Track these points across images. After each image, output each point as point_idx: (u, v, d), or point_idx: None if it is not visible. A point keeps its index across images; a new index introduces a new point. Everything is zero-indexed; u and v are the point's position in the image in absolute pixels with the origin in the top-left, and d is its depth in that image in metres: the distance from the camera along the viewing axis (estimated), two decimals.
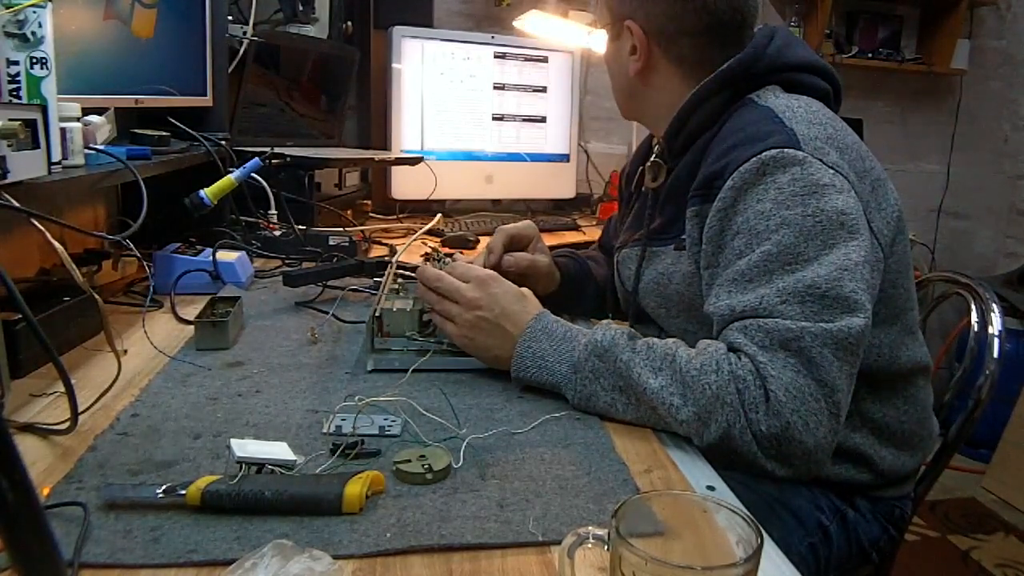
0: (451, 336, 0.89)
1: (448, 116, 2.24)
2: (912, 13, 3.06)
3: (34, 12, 0.87)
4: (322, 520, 0.57)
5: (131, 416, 0.74)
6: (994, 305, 1.16)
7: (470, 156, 2.28)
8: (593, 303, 1.22)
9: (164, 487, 0.58)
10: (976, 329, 1.18)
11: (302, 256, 1.40)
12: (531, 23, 2.21)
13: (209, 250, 1.23)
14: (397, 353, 0.91)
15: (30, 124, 0.81)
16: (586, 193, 2.60)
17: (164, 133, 1.33)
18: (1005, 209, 3.35)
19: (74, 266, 0.78)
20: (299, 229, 1.47)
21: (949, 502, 2.44)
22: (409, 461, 0.65)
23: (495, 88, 2.28)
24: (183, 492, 0.57)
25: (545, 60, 2.34)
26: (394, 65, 2.14)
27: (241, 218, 1.50)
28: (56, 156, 0.93)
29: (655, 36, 0.97)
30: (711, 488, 0.68)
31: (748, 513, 0.46)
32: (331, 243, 1.46)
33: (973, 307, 1.19)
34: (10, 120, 0.77)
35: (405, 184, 2.17)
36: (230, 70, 1.62)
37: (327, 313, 1.09)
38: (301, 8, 1.96)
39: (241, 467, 0.61)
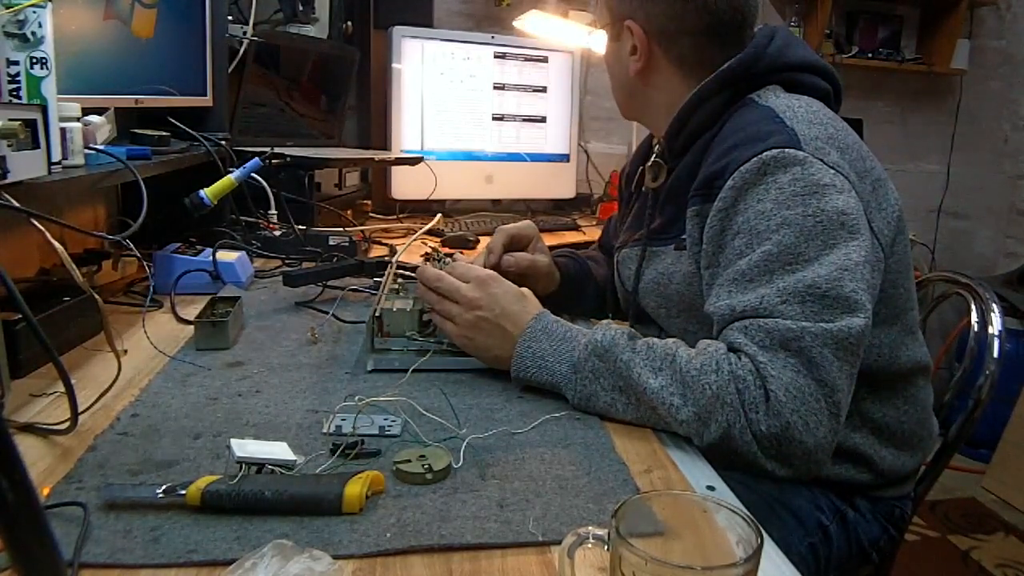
0: (451, 336, 0.89)
1: (448, 116, 2.23)
2: (912, 13, 3.06)
3: (34, 12, 0.87)
4: (322, 520, 0.57)
5: (131, 416, 0.74)
6: (994, 305, 1.16)
7: (470, 156, 2.28)
8: (593, 303, 1.22)
9: (164, 487, 0.58)
10: (976, 329, 1.18)
11: (302, 256, 1.40)
12: (531, 23, 2.21)
13: (209, 250, 1.23)
14: (397, 353, 0.91)
15: (30, 124, 0.81)
16: (586, 193, 2.60)
17: (164, 133, 1.33)
18: (1005, 209, 3.35)
19: (74, 266, 0.78)
20: (299, 229, 1.47)
21: (949, 502, 2.44)
22: (409, 461, 0.65)
23: (495, 88, 2.28)
24: (183, 492, 0.57)
25: (545, 60, 2.34)
26: (394, 65, 2.14)
27: (241, 218, 1.50)
28: (56, 156, 0.93)
29: (655, 36, 0.97)
30: (711, 488, 0.68)
31: (748, 513, 0.46)
32: (331, 243, 1.46)
33: (973, 307, 1.19)
34: (10, 120, 0.77)
35: (405, 184, 2.17)
36: (230, 70, 1.62)
37: (327, 313, 1.09)
38: (301, 8, 1.96)
39: (241, 467, 0.61)
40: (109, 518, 0.56)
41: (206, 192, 1.26)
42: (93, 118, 1.10)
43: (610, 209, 2.21)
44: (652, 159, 1.05)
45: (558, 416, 0.79)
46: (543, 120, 2.37)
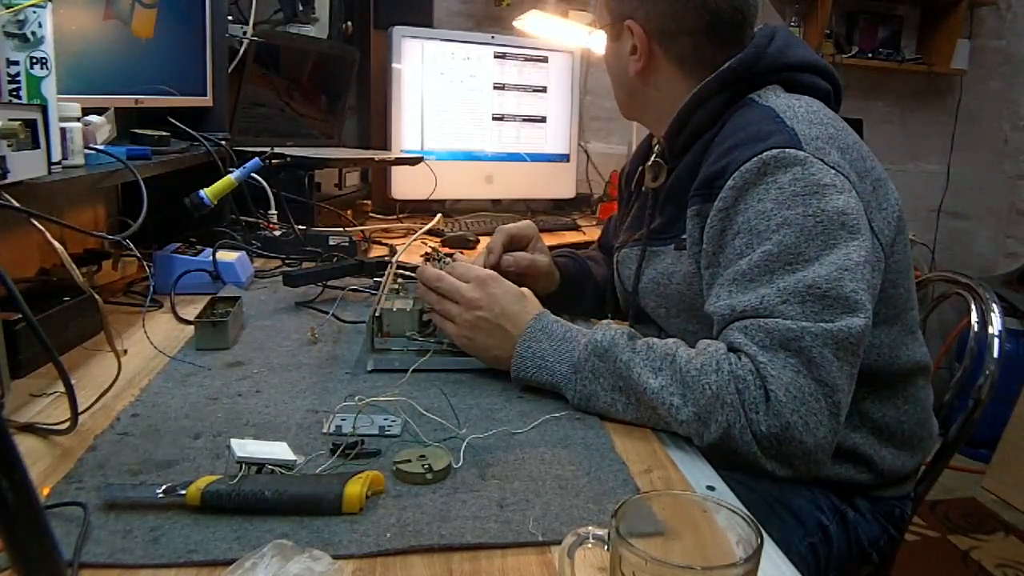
0: (451, 336, 0.89)
1: (448, 116, 2.23)
2: (912, 13, 3.06)
3: (34, 12, 0.87)
4: (322, 520, 0.57)
5: (131, 416, 0.74)
6: (994, 305, 1.16)
7: (470, 156, 2.28)
8: (593, 303, 1.22)
9: (164, 487, 0.58)
10: (976, 329, 1.18)
11: (302, 256, 1.40)
12: (531, 23, 2.21)
13: (209, 250, 1.23)
14: (397, 353, 0.91)
15: (30, 124, 0.81)
16: (586, 193, 2.60)
17: (164, 133, 1.33)
18: (1005, 209, 3.35)
19: (74, 266, 0.78)
20: (299, 229, 1.47)
21: (949, 502, 2.44)
22: (409, 461, 0.65)
23: (495, 88, 2.28)
24: (183, 492, 0.57)
25: (545, 60, 2.34)
26: (394, 65, 2.14)
27: (241, 218, 1.50)
28: (56, 156, 0.93)
29: (656, 35, 0.97)
30: (711, 488, 0.68)
31: (748, 513, 0.46)
32: (331, 243, 1.46)
33: (973, 307, 1.19)
34: (10, 120, 0.77)
35: (405, 184, 2.17)
36: (230, 70, 1.62)
37: (327, 313, 1.09)
38: (301, 8, 1.96)
39: (241, 467, 0.61)
40: (109, 518, 0.56)
41: (206, 192, 1.26)
42: (93, 118, 1.10)
43: (610, 209, 2.21)
44: (652, 159, 1.05)
45: (558, 416, 0.79)
46: (543, 120, 2.37)
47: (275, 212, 1.51)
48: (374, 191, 2.28)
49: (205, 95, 1.52)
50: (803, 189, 0.80)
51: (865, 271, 0.79)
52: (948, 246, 3.29)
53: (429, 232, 1.51)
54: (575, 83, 2.40)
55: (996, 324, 1.14)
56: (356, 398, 0.78)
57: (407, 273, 1.12)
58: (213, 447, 0.68)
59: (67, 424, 0.68)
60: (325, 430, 0.72)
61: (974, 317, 1.18)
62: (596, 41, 2.15)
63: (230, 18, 1.66)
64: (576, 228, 2.17)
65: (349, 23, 2.20)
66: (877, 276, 0.86)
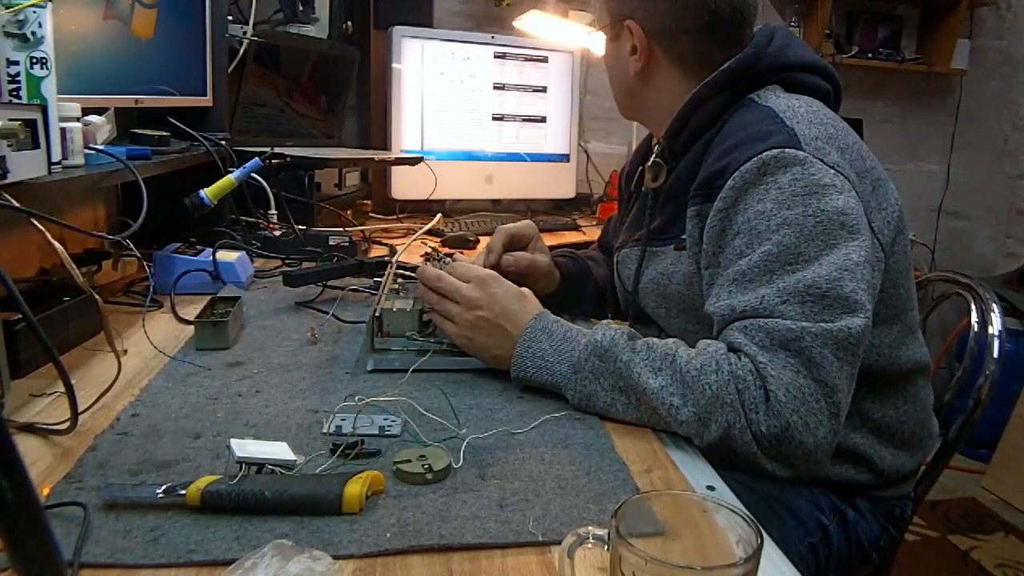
0: (451, 336, 0.89)
1: (448, 116, 2.23)
2: (912, 13, 3.06)
3: (34, 12, 0.87)
4: (322, 520, 0.57)
5: (131, 416, 0.74)
6: (994, 305, 1.16)
7: (470, 156, 2.28)
8: (593, 303, 1.22)
9: (164, 487, 0.58)
10: (976, 329, 1.18)
11: (302, 256, 1.40)
12: (531, 23, 2.21)
13: (209, 250, 1.23)
14: (397, 353, 0.91)
15: (30, 124, 0.81)
16: (586, 193, 2.60)
17: (164, 133, 1.33)
18: (1005, 209, 3.35)
19: (74, 266, 0.78)
20: (299, 229, 1.47)
21: (949, 502, 2.44)
22: (409, 461, 0.65)
23: (495, 88, 2.28)
24: (183, 492, 0.57)
25: (545, 60, 2.34)
26: (394, 65, 2.14)
27: (241, 218, 1.50)
28: (56, 156, 0.93)
29: (655, 35, 0.97)
30: (711, 488, 0.68)
31: (748, 513, 0.46)
32: (331, 243, 1.46)
33: (973, 307, 1.19)
34: (10, 120, 0.77)
35: (405, 184, 2.17)
36: (230, 70, 1.62)
37: (327, 313, 1.09)
38: (301, 8, 1.96)
39: (241, 467, 0.61)
40: (109, 518, 0.56)
41: (206, 192, 1.26)
42: (93, 118, 1.10)
43: (610, 209, 2.21)
44: (652, 159, 1.05)
45: (558, 416, 0.79)
46: (543, 120, 2.37)
47: (275, 212, 1.51)
48: (374, 191, 2.28)
49: (205, 95, 1.52)
50: (803, 189, 0.80)
51: (865, 271, 0.79)
52: (948, 246, 3.29)
53: (429, 232, 1.51)
54: (575, 83, 2.40)
55: (996, 324, 1.14)
56: (356, 398, 0.78)
57: (407, 273, 1.12)
58: (213, 447, 0.68)
59: (67, 424, 0.68)
60: (325, 430, 0.72)
61: (974, 317, 1.18)
62: (596, 41, 2.14)
63: (230, 18, 1.66)
64: (576, 228, 2.17)
65: (349, 23, 2.20)
66: (877, 276, 0.86)
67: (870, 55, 2.97)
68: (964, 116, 3.18)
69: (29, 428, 0.71)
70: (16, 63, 0.88)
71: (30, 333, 0.69)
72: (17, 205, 0.75)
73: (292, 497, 0.58)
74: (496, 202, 2.46)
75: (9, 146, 0.76)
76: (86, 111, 1.06)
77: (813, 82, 0.97)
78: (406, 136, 2.18)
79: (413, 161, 2.00)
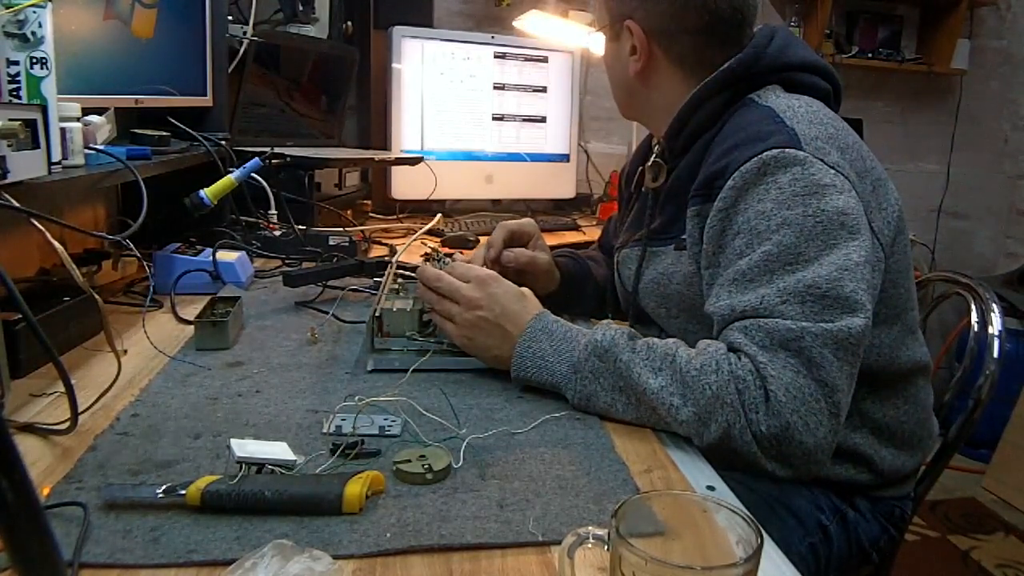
0: (451, 336, 0.89)
1: (448, 116, 2.23)
2: (912, 13, 3.06)
3: (34, 12, 0.87)
4: (322, 520, 0.57)
5: (131, 416, 0.74)
6: (994, 305, 1.16)
7: (470, 156, 2.28)
8: (593, 303, 1.22)
9: (164, 487, 0.58)
10: (976, 329, 1.18)
11: (302, 256, 1.40)
12: (531, 23, 2.21)
13: (209, 250, 1.23)
14: (397, 353, 0.91)
15: (30, 124, 0.81)
16: (586, 193, 2.60)
17: (164, 133, 1.33)
18: (1005, 209, 3.35)
19: (74, 266, 0.78)
20: (299, 229, 1.47)
21: (949, 502, 2.44)
22: (409, 461, 0.65)
23: (495, 88, 2.28)
24: (183, 492, 0.57)
25: (545, 60, 2.34)
26: (394, 65, 2.14)
27: (241, 218, 1.50)
28: (56, 156, 0.93)
29: (655, 35, 0.97)
30: (711, 488, 0.68)
31: (748, 513, 0.46)
32: (331, 243, 1.46)
33: (973, 307, 1.19)
34: (10, 120, 0.77)
35: (405, 184, 2.17)
36: (230, 70, 1.62)
37: (327, 313, 1.09)
38: (301, 8, 1.96)
39: (241, 467, 0.61)
40: (109, 518, 0.56)
41: (206, 192, 1.26)
42: (93, 118, 1.10)
43: (610, 209, 2.21)
44: (652, 159, 1.05)
45: (558, 416, 0.79)
46: (543, 120, 2.37)
47: (275, 212, 1.51)
48: (374, 191, 2.28)
49: (205, 95, 1.52)
50: (803, 189, 0.80)
51: (865, 271, 0.79)
52: (948, 246, 3.29)
53: (429, 232, 1.51)
54: (575, 83, 2.40)
55: (996, 324, 1.14)
56: (356, 398, 0.78)
57: (407, 273, 1.12)
58: (213, 447, 0.68)
59: (67, 424, 0.68)
60: (325, 430, 0.72)
61: (974, 317, 1.18)
62: (596, 41, 2.14)
63: (230, 18, 1.66)
64: (576, 228, 2.17)
65: (349, 23, 2.20)
66: (877, 276, 0.86)
67: (870, 55, 2.97)
68: (964, 116, 3.18)
69: (29, 428, 0.71)
70: (16, 63, 0.88)
71: (30, 333, 0.69)
72: (17, 205, 0.75)
73: (292, 497, 0.58)
74: (496, 202, 2.46)
75: (9, 146, 0.76)
76: (86, 111, 1.06)
77: (813, 82, 0.97)
78: (406, 136, 2.18)
79: (413, 161, 2.00)
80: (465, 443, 0.69)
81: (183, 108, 1.45)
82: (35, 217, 0.76)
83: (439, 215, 1.48)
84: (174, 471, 0.64)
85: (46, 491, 0.60)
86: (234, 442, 0.62)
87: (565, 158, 2.43)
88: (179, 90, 1.39)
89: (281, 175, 1.55)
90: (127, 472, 0.63)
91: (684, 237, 0.93)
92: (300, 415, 0.76)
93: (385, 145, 2.22)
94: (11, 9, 0.86)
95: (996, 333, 1.14)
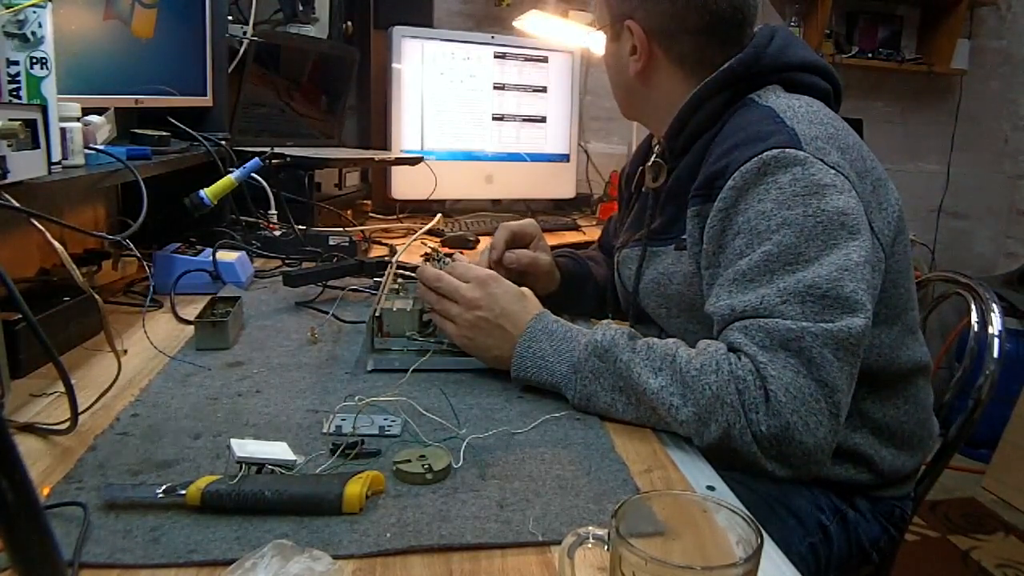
0: (451, 336, 0.89)
1: (448, 116, 2.24)
2: (912, 13, 3.06)
3: (34, 12, 0.87)
4: (322, 520, 0.57)
5: (131, 416, 0.74)
6: (994, 305, 1.16)
7: (470, 156, 2.28)
8: (593, 303, 1.22)
9: (164, 487, 0.58)
10: (976, 329, 1.17)
11: (302, 256, 1.40)
12: (531, 23, 2.21)
13: (209, 250, 1.23)
14: (397, 353, 0.91)
15: (30, 124, 0.81)
16: (586, 193, 2.60)
17: (164, 133, 1.33)
18: (1005, 209, 3.35)
19: (74, 266, 0.78)
20: (299, 229, 1.47)
21: (949, 502, 2.44)
22: (409, 461, 0.65)
23: (495, 88, 2.28)
24: (183, 492, 0.57)
25: (545, 60, 2.34)
26: (394, 65, 2.14)
27: (241, 218, 1.50)
28: (56, 156, 0.93)
29: (656, 35, 0.97)
30: (711, 488, 0.68)
31: (748, 513, 0.46)
32: (331, 243, 1.46)
33: (973, 307, 1.19)
34: (10, 120, 0.77)
35: (405, 184, 2.17)
36: (230, 70, 1.62)
37: (327, 313, 1.09)
38: (301, 8, 1.96)
39: (241, 467, 0.61)
40: (109, 518, 0.56)
41: (206, 192, 1.26)
42: (93, 118, 1.10)
43: (610, 209, 2.21)
44: (652, 159, 1.05)
45: (558, 416, 0.79)
46: (543, 120, 2.37)
47: (275, 212, 1.51)
48: (374, 191, 2.28)
49: (205, 95, 1.52)
50: (803, 189, 0.80)
51: (865, 271, 0.79)
52: (948, 246, 3.29)
53: (429, 232, 1.51)
54: (575, 83, 2.40)
55: (996, 324, 1.14)
56: (356, 398, 0.78)
57: (407, 273, 1.12)
58: (213, 447, 0.68)
59: (67, 424, 0.68)
60: (325, 430, 0.72)
61: (974, 317, 1.18)
62: (596, 41, 2.14)
63: (230, 18, 1.66)
64: (576, 228, 2.17)
65: (349, 23, 2.20)
66: (877, 276, 0.86)
67: (870, 55, 2.97)
68: (964, 116, 3.18)
69: (29, 428, 0.71)
70: (16, 63, 0.88)
71: (30, 333, 0.69)
72: (17, 205, 0.75)
73: (292, 497, 0.58)
74: (496, 202, 2.46)
75: (9, 146, 0.76)
76: (86, 111, 1.06)
77: (813, 82, 0.97)
78: (406, 136, 2.18)
79: (413, 161, 2.00)
80: (465, 443, 0.69)
81: (183, 108, 1.45)
82: (35, 217, 0.76)
83: (439, 215, 1.48)
84: (174, 471, 0.64)
85: (46, 491, 0.60)
86: (234, 442, 0.62)
87: (565, 158, 2.43)
88: (179, 90, 1.39)
89: (281, 175, 1.55)
90: (127, 472, 0.63)
91: (684, 237, 0.93)
92: (300, 415, 0.76)
93: (385, 145, 2.22)
94: (11, 9, 0.86)
95: (996, 333, 1.14)
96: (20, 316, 0.68)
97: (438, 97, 2.21)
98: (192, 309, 1.05)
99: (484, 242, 1.75)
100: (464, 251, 1.64)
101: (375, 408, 0.75)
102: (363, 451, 0.67)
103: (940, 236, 3.26)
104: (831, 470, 0.92)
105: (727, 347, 0.78)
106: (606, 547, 0.45)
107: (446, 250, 1.50)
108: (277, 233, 1.48)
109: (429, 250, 1.37)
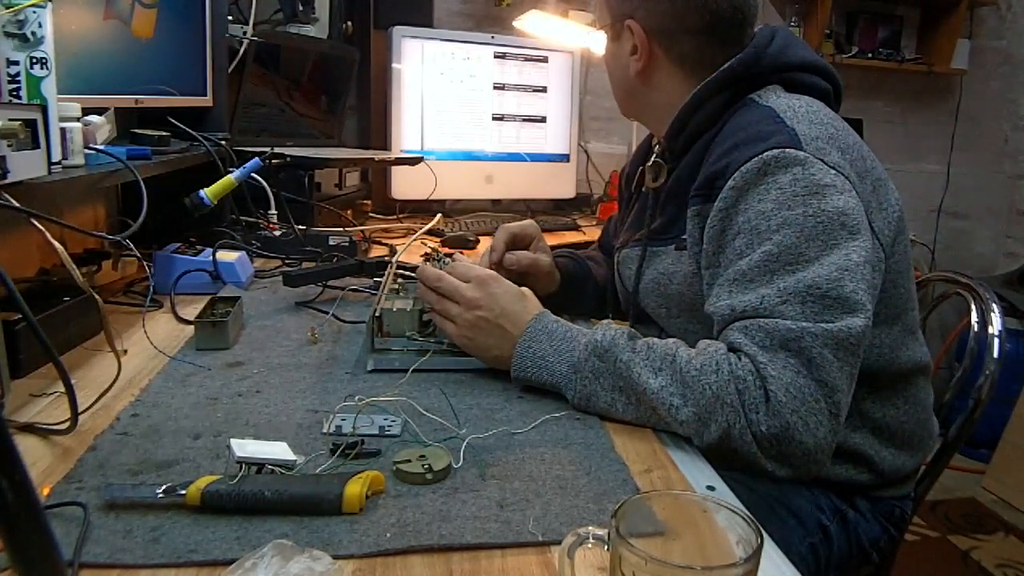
0: (451, 336, 0.89)
1: (448, 116, 2.24)
2: (912, 13, 3.06)
3: (34, 12, 0.87)
4: (322, 520, 0.57)
5: (131, 416, 0.74)
6: (994, 305, 1.16)
7: (470, 156, 2.28)
8: (593, 303, 1.22)
9: (164, 487, 0.58)
10: (976, 329, 1.18)
11: (302, 256, 1.40)
12: (531, 23, 2.21)
13: (209, 250, 1.23)
14: (397, 353, 0.91)
15: (30, 124, 0.81)
16: (586, 193, 2.60)
17: (164, 133, 1.33)
18: (1005, 209, 3.35)
19: (74, 266, 0.78)
20: (299, 229, 1.47)
21: (949, 502, 2.44)
22: (409, 461, 0.65)
23: (495, 88, 2.28)
24: (183, 492, 0.57)
25: (545, 60, 2.34)
26: (394, 65, 2.14)
27: (241, 218, 1.50)
28: (56, 156, 0.93)
29: (656, 35, 0.97)
30: (711, 488, 0.68)
31: (748, 513, 0.46)
32: (331, 243, 1.46)
33: (973, 307, 1.19)
34: (10, 120, 0.77)
35: (405, 184, 2.17)
36: (230, 70, 1.62)
37: (327, 313, 1.09)
38: (301, 8, 1.96)
39: (241, 467, 0.61)
40: (109, 518, 0.56)
41: (206, 192, 1.26)
42: (93, 118, 1.10)
43: (610, 209, 2.21)
44: (652, 159, 1.05)
45: (558, 416, 0.79)
46: (543, 120, 2.37)
47: (275, 212, 1.51)
48: (374, 191, 2.28)
49: (205, 95, 1.52)
50: (803, 189, 0.80)
51: (865, 271, 0.79)
52: (948, 246, 3.29)
53: (429, 232, 1.51)
54: (575, 83, 2.40)
55: (996, 324, 1.14)
56: (356, 398, 0.78)
57: (407, 273, 1.12)
58: (213, 447, 0.68)
59: (67, 424, 0.68)
60: (325, 430, 0.72)
61: (974, 317, 1.18)
62: (596, 41, 2.14)
63: (230, 18, 1.66)
64: (576, 228, 2.17)
65: (349, 23, 2.20)
66: (877, 276, 0.86)
67: (870, 55, 2.97)
68: (964, 116, 3.18)
69: (29, 428, 0.71)
70: (16, 63, 0.88)
71: (30, 333, 0.69)
72: (17, 205, 0.75)
73: (292, 497, 0.58)
74: (496, 202, 2.46)
75: (9, 146, 0.76)
76: (86, 111, 1.06)
77: (813, 82, 0.97)
78: (406, 136, 2.18)
79: (413, 161, 2.00)
80: (465, 443, 0.69)
81: (183, 108, 1.45)
82: (35, 217, 0.76)
83: (439, 215, 1.48)
84: (174, 471, 0.64)
85: (46, 491, 0.60)
86: (234, 442, 0.62)
87: (565, 158, 2.43)
88: (179, 90, 1.39)
89: (281, 175, 1.55)
90: (127, 472, 0.63)
91: (684, 237, 0.93)
92: (300, 415, 0.76)
93: (385, 145, 2.22)
94: (11, 9, 0.86)
95: (996, 333, 1.14)
96: (20, 316, 0.68)
97: (438, 97, 2.21)
98: (192, 309, 1.05)
99: (484, 242, 1.76)
100: (464, 251, 1.64)
101: (375, 408, 0.75)
102: (363, 451, 0.67)
103: (940, 236, 3.27)
104: (831, 470, 0.92)
105: (727, 347, 0.78)
106: (606, 547, 0.45)
107: (446, 250, 1.50)
108: (277, 233, 1.48)
109: (429, 250, 1.37)
